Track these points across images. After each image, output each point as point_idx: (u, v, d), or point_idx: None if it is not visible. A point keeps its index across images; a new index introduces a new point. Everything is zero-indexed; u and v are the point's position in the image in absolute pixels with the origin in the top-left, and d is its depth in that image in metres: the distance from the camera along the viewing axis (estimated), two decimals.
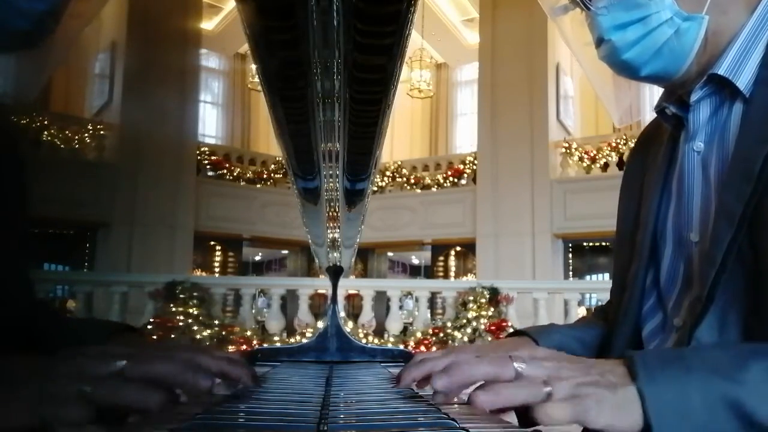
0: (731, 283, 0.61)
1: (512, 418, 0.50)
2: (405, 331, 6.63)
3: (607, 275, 9.53)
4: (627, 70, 0.71)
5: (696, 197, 0.70)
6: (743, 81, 0.65)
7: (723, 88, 0.68)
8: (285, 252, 11.72)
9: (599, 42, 0.72)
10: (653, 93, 10.94)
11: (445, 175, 9.99)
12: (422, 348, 6.05)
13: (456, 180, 9.85)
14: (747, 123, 0.63)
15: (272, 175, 10.24)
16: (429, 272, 11.65)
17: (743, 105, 0.65)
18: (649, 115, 10.89)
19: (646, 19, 0.67)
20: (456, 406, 0.56)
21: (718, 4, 0.67)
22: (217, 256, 10.91)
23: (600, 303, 7.80)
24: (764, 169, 0.59)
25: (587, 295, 8.13)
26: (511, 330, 6.16)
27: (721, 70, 0.66)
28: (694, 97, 0.70)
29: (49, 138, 8.08)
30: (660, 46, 0.68)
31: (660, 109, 0.77)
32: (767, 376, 0.46)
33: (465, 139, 12.52)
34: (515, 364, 0.49)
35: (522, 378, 0.48)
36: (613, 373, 0.49)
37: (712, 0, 0.66)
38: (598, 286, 7.65)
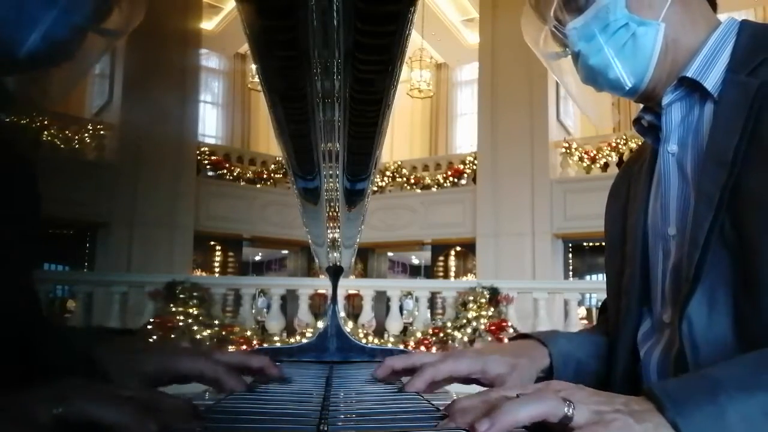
0: (716, 265, 0.64)
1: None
2: (405, 331, 6.62)
3: None
4: (597, 75, 0.76)
5: (672, 194, 0.74)
6: (711, 82, 0.71)
7: (693, 92, 0.74)
8: (285, 252, 11.72)
9: (575, 57, 0.78)
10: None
11: (445, 175, 9.97)
12: (422, 348, 6.05)
13: (456, 180, 9.84)
14: (718, 119, 0.69)
15: (272, 175, 10.24)
16: (429, 272, 11.65)
17: (713, 105, 0.70)
18: None
19: (606, 27, 0.73)
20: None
21: (675, 16, 0.73)
22: (217, 256, 10.91)
23: (599, 302, 7.79)
24: (737, 155, 0.64)
25: (587, 295, 8.13)
26: (512, 330, 6.14)
27: (690, 72, 0.72)
28: (665, 100, 0.75)
29: (49, 138, 8.07)
30: (620, 48, 0.73)
31: (637, 120, 0.82)
32: None
33: (465, 139, 12.52)
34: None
35: (537, 391, 0.48)
36: (637, 403, 0.48)
37: (670, 12, 0.72)
38: (598, 286, 7.64)
